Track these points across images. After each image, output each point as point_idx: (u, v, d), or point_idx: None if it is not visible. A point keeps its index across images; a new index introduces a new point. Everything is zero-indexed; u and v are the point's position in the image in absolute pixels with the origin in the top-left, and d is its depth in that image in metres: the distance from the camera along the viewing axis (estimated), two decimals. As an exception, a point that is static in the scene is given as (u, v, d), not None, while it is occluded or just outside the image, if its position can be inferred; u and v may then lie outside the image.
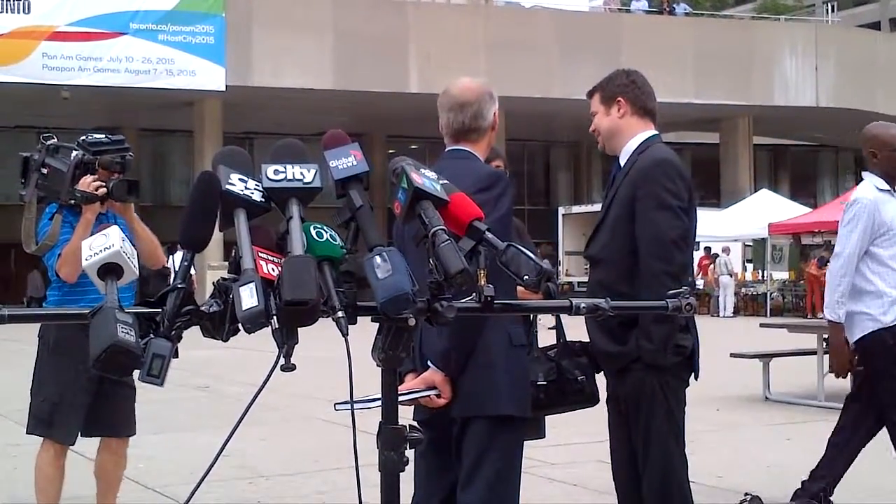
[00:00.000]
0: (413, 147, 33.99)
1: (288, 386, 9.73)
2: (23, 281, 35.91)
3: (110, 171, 4.79)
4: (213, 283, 1.94)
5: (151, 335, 1.84)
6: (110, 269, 1.88)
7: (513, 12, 34.44)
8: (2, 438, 8.34)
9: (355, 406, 2.09)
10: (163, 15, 28.10)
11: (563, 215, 33.68)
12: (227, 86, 28.38)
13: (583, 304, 2.06)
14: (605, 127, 3.85)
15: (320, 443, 7.87)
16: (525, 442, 3.56)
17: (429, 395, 3.27)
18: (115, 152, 4.85)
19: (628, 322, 3.57)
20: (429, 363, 3.29)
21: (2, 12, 26.71)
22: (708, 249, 29.50)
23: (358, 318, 1.92)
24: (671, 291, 2.14)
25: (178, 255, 1.93)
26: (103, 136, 4.99)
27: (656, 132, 3.85)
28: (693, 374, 3.74)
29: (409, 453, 2.07)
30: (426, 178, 2.01)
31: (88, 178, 4.67)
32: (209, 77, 28.38)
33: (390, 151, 34.01)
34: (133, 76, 27.84)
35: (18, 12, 26.82)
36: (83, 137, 4.85)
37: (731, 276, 28.59)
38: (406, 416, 2.91)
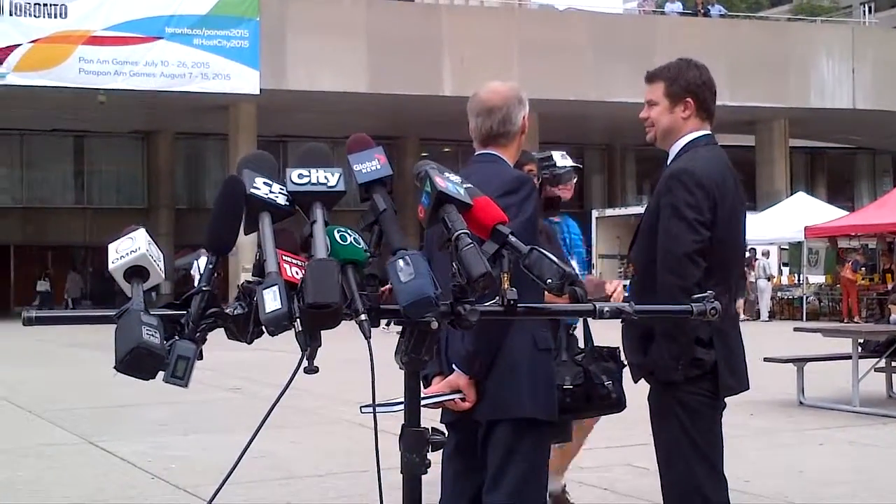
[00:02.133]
0: (446, 150, 34.10)
1: (319, 387, 9.77)
2: (61, 284, 36.40)
3: (561, 184, 5.00)
4: (238, 285, 1.95)
5: (176, 337, 1.85)
6: (136, 272, 1.89)
7: (546, 15, 34.40)
8: (36, 438, 8.44)
9: (380, 409, 2.10)
10: (198, 19, 28.32)
11: (597, 218, 33.57)
12: (261, 89, 28.55)
13: (606, 308, 2.06)
14: (664, 124, 3.64)
15: (351, 444, 7.90)
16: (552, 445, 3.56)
17: (454, 399, 3.28)
18: (545, 168, 5.08)
19: (652, 334, 3.49)
20: (454, 366, 3.30)
21: (39, 17, 27.01)
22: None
23: (381, 321, 1.93)
24: (696, 296, 2.12)
25: (203, 260, 1.95)
26: (550, 152, 5.25)
27: (708, 132, 3.66)
28: (720, 392, 3.54)
29: (434, 455, 2.07)
30: (450, 182, 2.01)
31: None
32: (244, 81, 28.56)
33: (423, 154, 34.06)
34: (168, 80, 28.06)
35: (56, 17, 27.11)
36: (535, 153, 5.17)
37: (769, 280, 28.36)
38: (434, 418, 2.92)
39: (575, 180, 5.40)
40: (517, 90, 3.61)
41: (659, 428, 3.60)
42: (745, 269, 27.98)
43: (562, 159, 5.35)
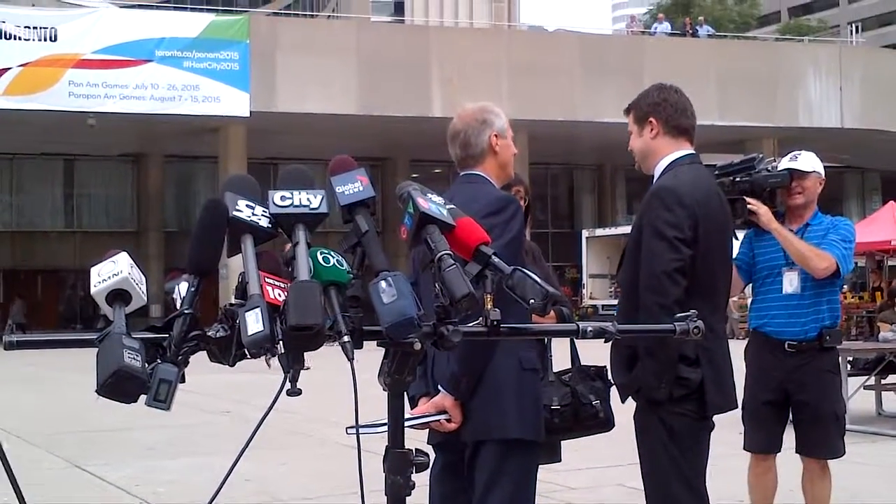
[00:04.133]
0: (437, 171, 34.10)
1: (307, 409, 9.73)
2: (50, 307, 36.26)
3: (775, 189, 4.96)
4: (220, 308, 1.95)
5: (158, 360, 1.85)
6: (118, 296, 1.89)
7: (536, 36, 34.59)
8: (23, 463, 8.36)
9: (365, 431, 2.10)
10: (188, 42, 28.39)
11: (587, 238, 33.60)
12: (251, 112, 28.59)
13: (590, 328, 2.05)
14: (637, 148, 3.73)
15: (340, 467, 7.85)
16: (541, 466, 3.54)
17: (439, 420, 3.27)
18: (737, 172, 4.97)
19: (637, 354, 3.49)
20: (439, 387, 3.30)
21: (29, 40, 27.03)
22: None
23: (364, 342, 1.93)
24: (679, 315, 2.13)
25: (184, 285, 1.94)
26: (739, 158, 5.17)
27: (689, 151, 3.69)
28: (708, 411, 3.52)
29: (420, 477, 2.06)
30: (432, 203, 2.02)
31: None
32: (234, 103, 28.60)
33: (414, 175, 34.08)
34: (158, 103, 28.09)
35: (45, 40, 27.14)
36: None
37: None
38: (419, 439, 2.92)
39: (788, 184, 4.96)
40: (482, 111, 3.58)
41: (641, 447, 3.61)
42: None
43: (789, 161, 5.05)
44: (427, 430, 3.45)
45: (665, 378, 3.42)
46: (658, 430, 3.50)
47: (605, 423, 3.99)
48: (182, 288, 1.96)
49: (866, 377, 10.56)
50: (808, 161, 5.09)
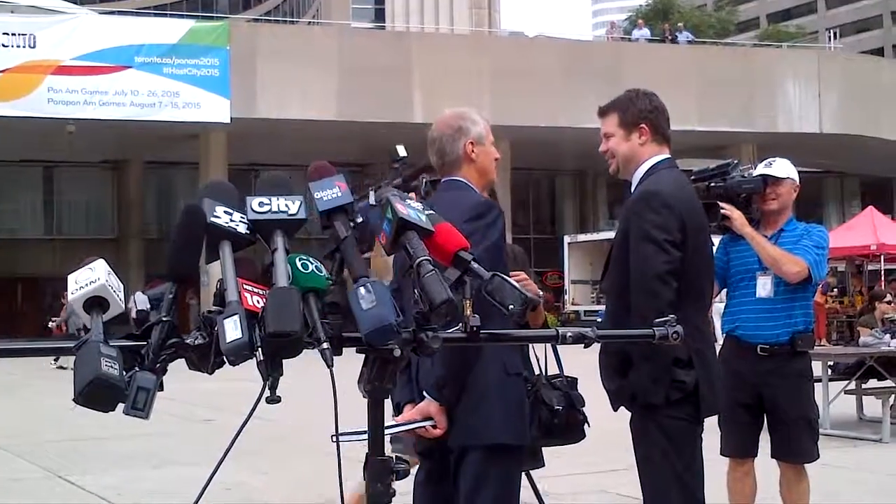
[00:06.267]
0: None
1: (291, 417, 9.69)
2: (30, 315, 35.96)
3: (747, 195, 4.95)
4: (199, 315, 1.94)
5: (137, 368, 1.84)
6: (96, 303, 1.88)
7: (516, 42, 34.62)
8: (1, 473, 8.31)
9: (345, 438, 2.09)
10: (168, 48, 28.27)
11: (569, 244, 33.60)
12: (231, 118, 28.50)
13: (569, 334, 2.06)
14: (623, 153, 3.69)
15: (322, 475, 7.82)
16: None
17: (425, 426, 3.26)
18: (712, 178, 4.94)
19: (629, 360, 3.48)
20: (424, 393, 3.29)
21: (7, 47, 26.88)
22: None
23: (343, 349, 1.92)
24: (658, 320, 2.13)
25: (139, 295, 1.94)
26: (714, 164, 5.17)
27: (667, 156, 3.71)
28: (702, 413, 3.53)
29: (404, 484, 2.06)
30: (411, 209, 2.02)
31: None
32: (214, 109, 28.50)
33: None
34: (138, 109, 27.96)
35: (24, 47, 26.98)
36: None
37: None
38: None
39: (762, 190, 4.96)
40: (457, 118, 3.58)
41: (639, 454, 3.59)
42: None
43: (764, 168, 5.07)
44: (415, 437, 3.45)
45: (661, 381, 3.41)
46: (656, 436, 3.49)
47: (562, 430, 4.00)
48: (138, 298, 1.96)
49: (847, 382, 10.59)
50: (782, 167, 5.13)
